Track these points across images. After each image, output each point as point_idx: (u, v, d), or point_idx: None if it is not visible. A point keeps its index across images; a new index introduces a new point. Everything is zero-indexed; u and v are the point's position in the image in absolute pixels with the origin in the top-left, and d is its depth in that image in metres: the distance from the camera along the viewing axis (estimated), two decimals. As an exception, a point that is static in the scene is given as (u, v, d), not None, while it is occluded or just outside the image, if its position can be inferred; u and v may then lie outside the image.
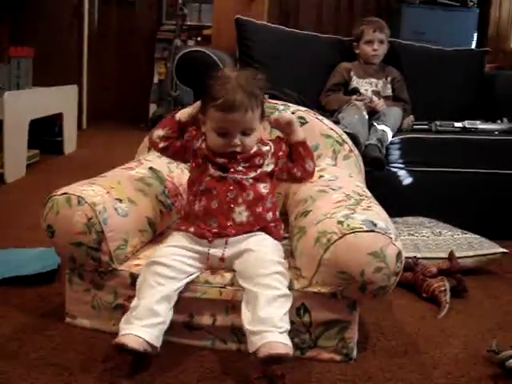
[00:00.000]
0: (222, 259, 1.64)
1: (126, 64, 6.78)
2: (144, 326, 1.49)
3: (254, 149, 1.71)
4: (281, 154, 1.76)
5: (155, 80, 6.42)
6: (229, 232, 1.64)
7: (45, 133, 4.56)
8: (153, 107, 6.20)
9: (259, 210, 1.67)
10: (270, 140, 1.79)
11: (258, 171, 1.70)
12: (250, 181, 1.68)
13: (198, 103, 1.73)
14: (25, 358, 1.55)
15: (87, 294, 1.70)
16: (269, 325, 1.46)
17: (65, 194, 1.64)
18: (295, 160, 1.77)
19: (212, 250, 1.64)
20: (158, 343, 1.50)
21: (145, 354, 1.47)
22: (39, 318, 1.78)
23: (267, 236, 1.67)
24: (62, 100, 4.64)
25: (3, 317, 1.77)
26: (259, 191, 1.68)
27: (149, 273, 1.57)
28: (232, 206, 1.65)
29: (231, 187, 1.66)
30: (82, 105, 6.00)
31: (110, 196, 1.69)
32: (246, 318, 1.51)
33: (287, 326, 1.49)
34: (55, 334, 1.69)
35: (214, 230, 1.64)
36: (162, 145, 1.76)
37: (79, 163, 4.23)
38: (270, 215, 1.71)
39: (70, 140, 4.79)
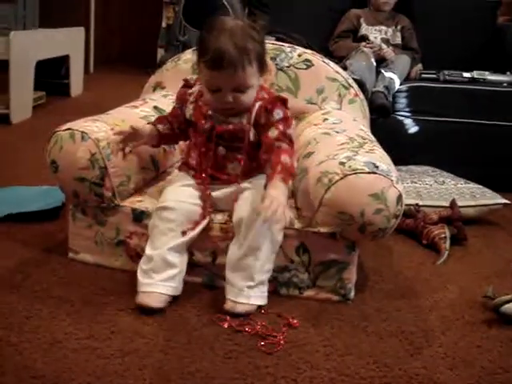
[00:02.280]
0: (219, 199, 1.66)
1: (134, 8, 6.69)
2: (163, 281, 1.53)
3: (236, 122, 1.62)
4: (262, 122, 1.60)
5: (163, 24, 6.33)
6: (224, 181, 1.65)
7: (51, 75, 4.53)
8: (161, 52, 6.14)
9: (253, 163, 1.64)
10: (263, 98, 1.63)
11: (244, 143, 1.62)
12: (238, 154, 1.63)
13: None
14: (28, 290, 1.58)
15: (90, 229, 1.72)
16: (245, 279, 1.53)
17: (69, 129, 1.65)
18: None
19: (209, 191, 1.65)
20: (178, 291, 1.56)
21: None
22: (43, 253, 1.80)
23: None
24: (68, 42, 4.59)
25: (8, 251, 1.80)
26: (246, 161, 1.63)
27: (158, 219, 1.58)
28: (224, 163, 1.64)
29: (220, 160, 1.64)
30: (88, 49, 5.95)
31: (114, 132, 1.69)
32: (231, 254, 1.56)
33: (263, 277, 1.55)
34: (58, 268, 1.71)
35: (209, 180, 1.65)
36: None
37: (86, 106, 4.20)
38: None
39: (76, 82, 4.77)
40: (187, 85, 1.72)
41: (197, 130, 1.65)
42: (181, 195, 1.61)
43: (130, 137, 1.67)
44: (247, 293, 1.53)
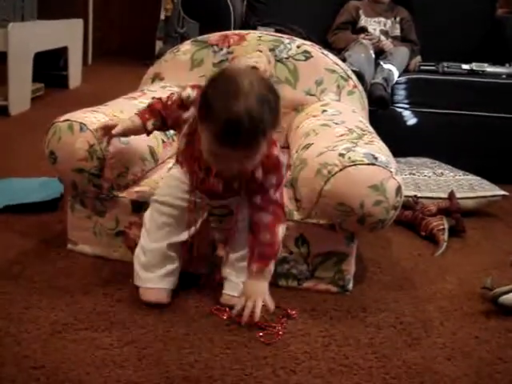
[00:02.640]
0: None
1: (132, 0, 6.67)
2: (164, 276, 1.52)
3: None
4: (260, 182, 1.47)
5: (162, 16, 6.32)
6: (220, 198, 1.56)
7: (50, 66, 4.52)
8: (159, 44, 6.13)
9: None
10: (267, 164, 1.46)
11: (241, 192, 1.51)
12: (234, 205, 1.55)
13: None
14: (27, 281, 1.58)
15: (89, 220, 1.72)
16: (240, 276, 1.52)
17: (67, 120, 1.65)
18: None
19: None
20: (176, 285, 1.55)
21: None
22: (42, 245, 1.81)
23: None
24: (66, 33, 4.58)
25: (6, 242, 1.80)
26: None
27: (155, 210, 1.55)
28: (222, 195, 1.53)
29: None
30: (87, 41, 5.94)
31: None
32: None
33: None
34: (57, 259, 1.72)
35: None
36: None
37: (84, 97, 4.19)
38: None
39: (75, 74, 4.76)
40: (182, 106, 1.51)
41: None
42: (179, 191, 1.55)
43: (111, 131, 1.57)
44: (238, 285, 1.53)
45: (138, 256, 1.55)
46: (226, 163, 1.36)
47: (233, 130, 1.26)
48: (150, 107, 1.59)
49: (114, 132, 1.56)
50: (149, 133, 1.60)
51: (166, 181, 1.62)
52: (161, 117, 1.56)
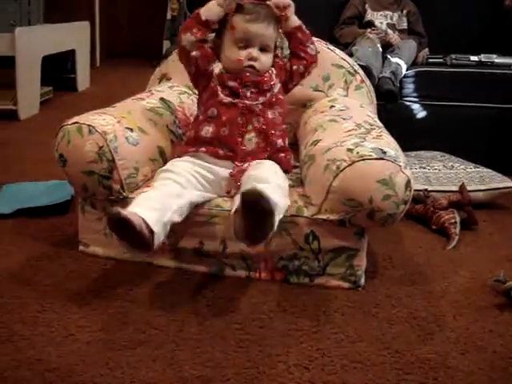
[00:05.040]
0: (231, 176, 1.64)
1: (139, 1, 6.68)
2: (138, 207, 1.43)
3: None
4: (281, 64, 1.77)
5: (168, 16, 6.32)
6: (239, 155, 1.65)
7: (58, 69, 4.55)
8: (166, 44, 6.13)
9: (269, 136, 1.69)
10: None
11: (268, 95, 1.70)
12: (260, 106, 1.68)
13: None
14: (39, 284, 1.59)
15: (99, 222, 1.72)
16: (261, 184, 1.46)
17: (76, 123, 1.65)
18: (296, 47, 1.78)
19: (221, 169, 1.65)
20: (156, 228, 1.41)
21: (140, 233, 1.38)
22: (53, 247, 1.81)
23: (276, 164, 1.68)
24: (74, 36, 4.60)
25: (18, 246, 1.81)
26: (269, 117, 1.69)
27: (156, 181, 1.58)
28: (242, 131, 1.66)
29: (241, 114, 1.67)
30: (94, 42, 5.95)
31: (121, 125, 1.69)
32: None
33: (279, 203, 1.46)
34: (68, 261, 1.72)
35: (225, 153, 1.66)
36: (194, 53, 1.70)
37: (93, 100, 4.21)
38: (280, 142, 1.72)
39: (83, 77, 4.78)
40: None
41: (220, 90, 1.69)
42: (182, 165, 1.61)
43: None
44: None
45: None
46: (248, 51, 1.67)
47: (257, 10, 1.67)
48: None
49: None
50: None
51: (174, 161, 1.66)
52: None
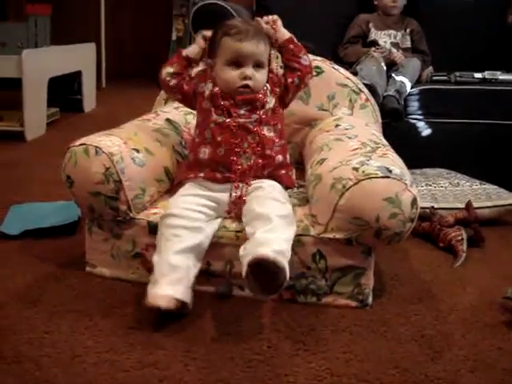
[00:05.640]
0: (232, 202, 1.65)
1: (144, 22, 6.74)
2: (168, 284, 1.50)
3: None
4: (276, 79, 1.75)
5: (173, 37, 6.37)
6: (237, 174, 1.65)
7: (64, 91, 4.58)
8: (171, 65, 6.16)
9: (266, 152, 1.68)
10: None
11: (261, 112, 1.69)
12: (254, 124, 1.68)
13: (200, 37, 1.77)
14: (47, 305, 1.59)
15: (106, 243, 1.73)
16: (264, 245, 1.45)
17: (83, 144, 1.66)
18: (289, 60, 1.76)
19: (221, 194, 1.66)
20: (186, 297, 1.51)
21: (177, 311, 1.49)
22: (60, 268, 1.81)
23: (277, 183, 1.68)
24: (80, 58, 4.64)
25: (25, 267, 1.82)
26: (265, 134, 1.69)
27: (163, 226, 1.58)
28: (238, 150, 1.66)
29: (235, 132, 1.66)
30: (100, 64, 6.00)
31: (127, 146, 1.70)
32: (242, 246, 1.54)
33: (285, 249, 1.47)
34: (76, 282, 1.72)
35: (223, 175, 1.66)
36: (172, 82, 1.77)
37: (99, 121, 4.23)
38: (279, 158, 1.71)
39: (89, 98, 4.81)
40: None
41: (213, 111, 1.70)
42: (185, 202, 1.61)
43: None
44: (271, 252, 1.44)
45: (151, 277, 1.56)
46: (242, 71, 1.66)
47: (246, 28, 1.67)
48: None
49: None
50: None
51: (175, 196, 1.66)
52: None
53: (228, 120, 1.67)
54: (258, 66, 1.68)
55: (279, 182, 1.69)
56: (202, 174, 1.68)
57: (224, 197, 1.66)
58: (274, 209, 1.55)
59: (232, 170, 1.66)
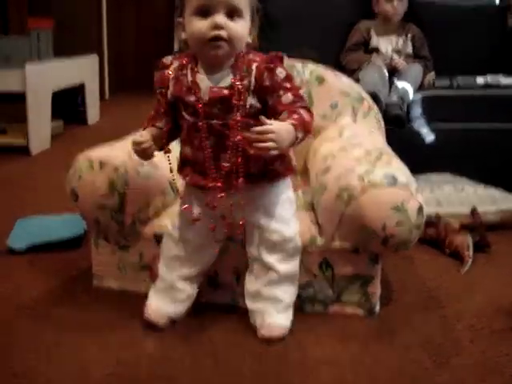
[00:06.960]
0: (227, 225, 1.53)
1: (146, 32, 6.77)
2: (167, 302, 1.56)
3: (230, 78, 1.42)
4: (241, 89, 1.40)
5: (175, 47, 6.39)
6: (220, 184, 1.46)
7: (68, 103, 4.59)
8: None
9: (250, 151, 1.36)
10: (255, 60, 1.44)
11: (237, 114, 1.41)
12: (229, 126, 1.41)
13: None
14: (55, 319, 1.59)
15: (113, 255, 1.73)
16: (270, 301, 1.53)
17: (87, 158, 1.67)
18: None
19: (208, 211, 1.51)
20: (182, 315, 1.58)
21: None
22: (67, 282, 1.82)
23: (272, 192, 1.52)
24: (83, 70, 4.65)
25: (32, 281, 1.82)
26: (242, 139, 1.39)
27: (169, 241, 1.59)
28: (214, 154, 1.45)
29: (208, 135, 1.43)
30: (103, 75, 6.02)
31: (131, 159, 1.70)
32: (249, 287, 1.57)
33: (289, 300, 1.55)
34: (83, 295, 1.73)
35: (204, 182, 1.48)
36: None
37: (103, 132, 4.23)
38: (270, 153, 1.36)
39: (93, 110, 4.82)
40: (164, 66, 1.50)
41: (183, 109, 1.46)
42: (189, 229, 1.56)
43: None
44: (277, 314, 1.54)
45: (153, 285, 1.61)
46: (212, 20, 1.35)
47: None
48: (149, 119, 1.54)
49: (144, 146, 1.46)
50: (168, 137, 1.52)
51: (180, 216, 1.60)
52: (163, 115, 1.50)
53: (197, 121, 1.43)
54: (232, 14, 1.37)
55: (277, 177, 1.51)
56: (188, 178, 1.53)
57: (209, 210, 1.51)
58: (277, 262, 1.53)
59: (210, 176, 1.46)
